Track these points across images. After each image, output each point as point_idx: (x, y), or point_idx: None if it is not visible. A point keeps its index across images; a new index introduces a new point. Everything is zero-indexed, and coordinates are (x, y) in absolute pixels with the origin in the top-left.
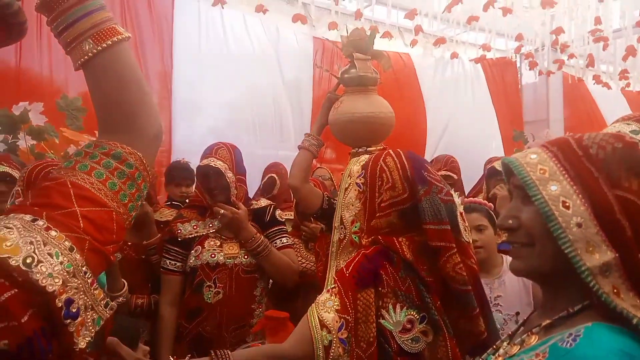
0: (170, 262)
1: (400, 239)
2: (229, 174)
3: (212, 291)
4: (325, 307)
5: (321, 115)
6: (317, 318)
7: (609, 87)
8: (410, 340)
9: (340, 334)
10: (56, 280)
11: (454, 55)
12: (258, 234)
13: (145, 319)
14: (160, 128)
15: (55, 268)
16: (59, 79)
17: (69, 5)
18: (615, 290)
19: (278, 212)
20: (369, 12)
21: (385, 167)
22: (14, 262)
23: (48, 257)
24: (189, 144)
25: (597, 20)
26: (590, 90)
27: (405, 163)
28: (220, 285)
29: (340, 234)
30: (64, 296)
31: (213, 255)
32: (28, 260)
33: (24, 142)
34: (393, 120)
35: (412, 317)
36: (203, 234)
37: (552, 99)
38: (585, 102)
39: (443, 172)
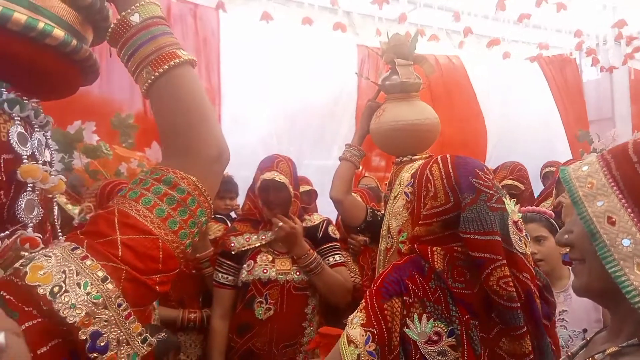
0: (222, 276)
1: (434, 249)
2: (291, 189)
3: (263, 307)
4: (352, 324)
5: (362, 124)
6: (344, 336)
7: None
8: (436, 353)
9: (368, 346)
10: (78, 312)
11: (506, 55)
12: (311, 251)
13: (197, 333)
14: (221, 151)
15: (80, 298)
16: (112, 99)
17: (134, 32)
18: None
19: (331, 228)
20: (414, 16)
21: (430, 176)
22: (41, 290)
23: (75, 287)
24: (238, 156)
25: None
26: None
27: (451, 171)
28: (272, 302)
29: (387, 243)
30: (90, 328)
31: (265, 271)
32: (55, 290)
33: (79, 160)
34: (438, 127)
35: (439, 329)
36: (256, 247)
37: (617, 95)
38: None
39: (508, 182)
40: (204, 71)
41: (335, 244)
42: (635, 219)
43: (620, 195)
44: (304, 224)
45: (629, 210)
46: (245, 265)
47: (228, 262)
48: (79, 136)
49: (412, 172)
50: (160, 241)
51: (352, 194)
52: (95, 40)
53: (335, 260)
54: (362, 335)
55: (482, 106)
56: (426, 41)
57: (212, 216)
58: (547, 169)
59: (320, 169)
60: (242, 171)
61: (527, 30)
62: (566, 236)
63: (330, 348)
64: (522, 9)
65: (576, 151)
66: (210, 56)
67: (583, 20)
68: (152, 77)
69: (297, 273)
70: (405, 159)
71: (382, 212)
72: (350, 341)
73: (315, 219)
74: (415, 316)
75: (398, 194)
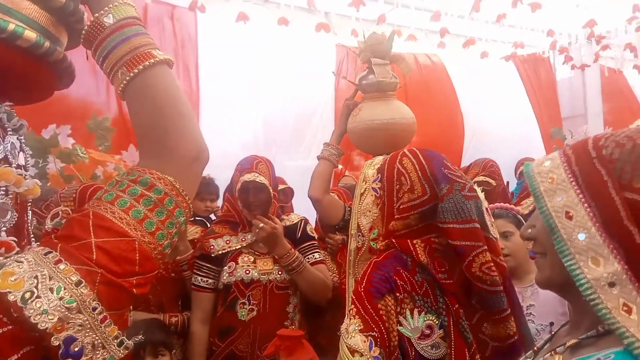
0: (202, 279)
1: (414, 242)
2: (271, 189)
3: (246, 308)
4: (349, 333)
5: (340, 123)
6: (345, 348)
7: None
8: (429, 347)
9: (373, 352)
10: (50, 317)
11: (484, 55)
12: (293, 250)
13: (178, 337)
14: (200, 150)
15: (52, 304)
16: (88, 102)
17: (107, 33)
18: (625, 308)
19: (309, 227)
20: (392, 17)
21: (402, 170)
22: (12, 297)
23: (48, 292)
24: (218, 158)
25: (636, 8)
26: (630, 82)
27: (424, 162)
28: (255, 302)
29: (358, 241)
30: (62, 334)
31: (247, 272)
32: (27, 296)
33: (54, 165)
34: (414, 126)
35: (431, 322)
36: (236, 249)
37: (589, 92)
38: (625, 94)
39: (480, 178)
40: (182, 72)
41: (313, 242)
42: (591, 214)
43: (578, 191)
44: (282, 224)
45: (585, 205)
46: (226, 267)
47: (207, 265)
48: (54, 141)
49: (378, 167)
50: (136, 243)
51: (330, 193)
52: (70, 43)
53: (315, 258)
54: (364, 342)
55: (462, 106)
56: (404, 41)
57: (192, 218)
58: (522, 167)
59: (300, 169)
60: (222, 173)
61: (503, 29)
62: (529, 230)
63: (291, 350)
64: (497, 9)
65: (550, 148)
66: (189, 57)
67: (556, 20)
68: (127, 78)
69: (279, 272)
70: (380, 157)
71: None
72: (353, 351)
73: (293, 218)
74: (407, 312)
75: (365, 190)
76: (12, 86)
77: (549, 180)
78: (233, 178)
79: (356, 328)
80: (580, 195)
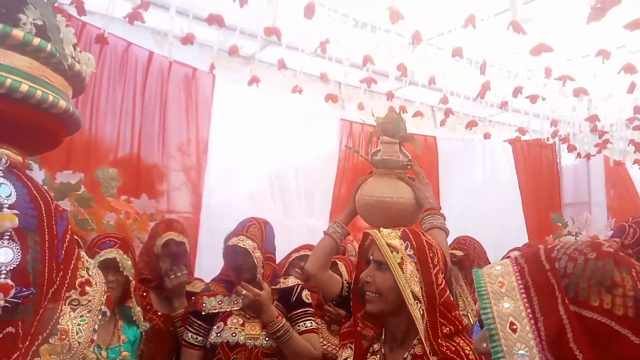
0: (192, 335)
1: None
2: (257, 254)
3: None
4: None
5: (350, 201)
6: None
7: None
8: None
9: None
10: None
11: (487, 136)
12: (280, 317)
13: None
14: None
15: None
16: (101, 143)
17: None
18: None
19: (305, 292)
20: (400, 92)
21: (431, 242)
22: None
23: None
24: (225, 209)
25: (637, 109)
26: (630, 174)
27: (439, 245)
28: None
29: (420, 309)
30: None
31: (234, 334)
32: None
33: (65, 208)
34: (414, 207)
35: None
36: (227, 311)
37: (593, 181)
38: (627, 186)
39: (451, 251)
40: (195, 124)
41: (308, 309)
42: (535, 332)
43: (527, 304)
44: (277, 286)
45: (532, 320)
46: (215, 327)
47: (198, 322)
48: (77, 187)
49: (399, 236)
50: None
51: (338, 262)
52: (73, 95)
53: (307, 327)
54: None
55: (442, 186)
56: (411, 117)
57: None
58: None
59: (301, 227)
60: (225, 222)
61: (507, 113)
62: (484, 344)
63: None
64: (502, 95)
65: (536, 235)
66: (203, 113)
67: (561, 108)
68: None
69: (267, 338)
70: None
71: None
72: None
73: (289, 282)
74: None
75: (402, 260)
76: (37, 141)
77: (498, 284)
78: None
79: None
80: (529, 309)
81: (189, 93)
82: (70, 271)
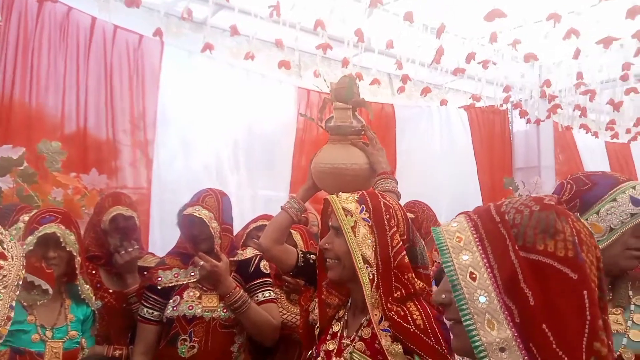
0: (147, 311)
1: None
2: (214, 224)
3: (186, 345)
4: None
5: (308, 177)
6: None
7: (597, 136)
8: None
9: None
10: None
11: (443, 103)
12: (237, 289)
13: None
14: None
15: None
16: (45, 117)
17: None
18: None
19: (263, 263)
20: (356, 60)
21: (389, 204)
22: None
23: None
24: (181, 182)
25: (579, 76)
26: (575, 139)
27: (399, 205)
28: (196, 340)
29: (369, 274)
30: None
31: (191, 307)
32: None
33: (3, 184)
34: (366, 173)
35: None
36: (184, 283)
37: (543, 146)
38: (572, 150)
39: None
40: (141, 96)
41: (266, 279)
42: (492, 278)
43: (483, 254)
44: (235, 258)
45: (488, 269)
46: (171, 301)
47: (154, 296)
48: (20, 161)
49: (356, 199)
50: None
51: (292, 231)
52: None
53: (265, 297)
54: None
55: (400, 152)
56: (368, 85)
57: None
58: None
59: (258, 198)
60: (183, 196)
61: (462, 80)
62: (443, 295)
63: None
64: (458, 61)
65: (489, 198)
66: (150, 82)
67: (514, 74)
68: None
69: (224, 310)
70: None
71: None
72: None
73: (247, 253)
74: None
75: (355, 223)
76: None
77: (456, 239)
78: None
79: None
80: (485, 259)
81: (136, 61)
82: None
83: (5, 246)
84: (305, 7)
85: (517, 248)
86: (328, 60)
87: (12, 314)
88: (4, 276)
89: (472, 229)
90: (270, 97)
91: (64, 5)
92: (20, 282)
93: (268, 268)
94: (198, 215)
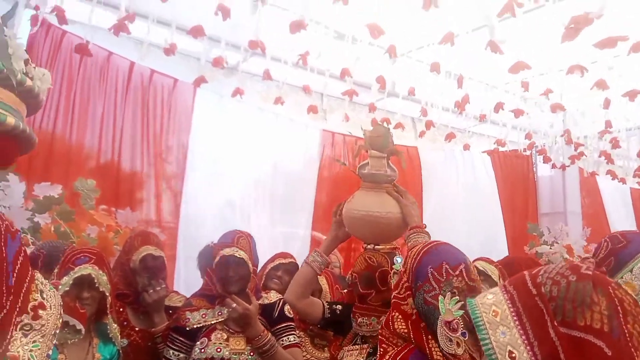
0: (173, 353)
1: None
2: (250, 265)
3: None
4: None
5: (332, 228)
6: None
7: (625, 183)
8: None
9: None
10: None
11: (466, 147)
12: (265, 332)
13: None
14: None
15: None
16: (79, 149)
17: None
18: None
19: (287, 307)
20: (381, 104)
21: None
22: None
23: None
24: (203, 216)
25: (608, 124)
26: (599, 184)
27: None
28: None
29: None
30: None
31: (219, 350)
32: None
33: (41, 220)
34: (400, 222)
35: None
36: (212, 324)
37: (568, 191)
38: (595, 195)
39: None
40: (174, 134)
41: (290, 323)
42: (532, 357)
43: (521, 330)
44: (260, 301)
45: (528, 346)
46: (198, 343)
47: (181, 338)
48: (61, 201)
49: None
50: None
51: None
52: (27, 114)
53: (290, 341)
54: None
55: (425, 197)
56: (392, 128)
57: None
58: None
59: (287, 236)
60: (207, 232)
61: (485, 125)
62: None
63: None
64: (482, 109)
65: (515, 245)
66: (183, 119)
67: (537, 121)
68: None
69: (251, 353)
70: (369, 247)
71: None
72: None
73: (272, 297)
74: None
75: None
76: None
77: (492, 313)
78: (213, 252)
79: None
80: (524, 335)
81: (169, 103)
82: (22, 295)
83: (45, 296)
84: (332, 54)
85: (555, 324)
86: (353, 104)
87: None
88: (43, 325)
89: (508, 302)
90: (296, 138)
91: (105, 50)
92: (57, 331)
93: (292, 312)
94: (239, 256)
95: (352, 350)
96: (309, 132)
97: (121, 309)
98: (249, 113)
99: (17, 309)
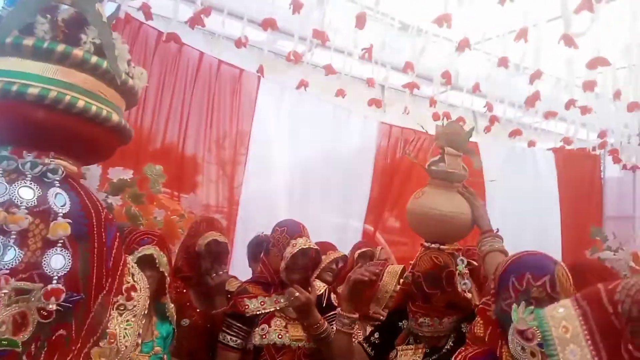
0: (230, 338)
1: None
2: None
3: None
4: None
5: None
6: None
7: None
8: None
9: None
10: None
11: (532, 144)
12: (323, 320)
13: None
14: None
15: None
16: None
17: None
18: None
19: (333, 296)
20: (443, 96)
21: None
22: None
23: None
24: (259, 198)
25: None
26: None
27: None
28: None
29: None
30: None
31: (280, 336)
32: None
33: (116, 201)
34: (470, 224)
35: None
36: (270, 311)
37: (638, 194)
38: None
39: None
40: (236, 121)
41: (337, 312)
42: None
43: (593, 351)
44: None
45: None
46: (258, 329)
47: (238, 324)
48: (133, 184)
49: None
50: None
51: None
52: (126, 108)
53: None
54: None
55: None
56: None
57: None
58: None
59: (339, 227)
60: (262, 212)
61: (552, 121)
62: None
63: None
64: (549, 105)
65: (571, 249)
66: (246, 106)
67: (610, 119)
68: None
69: (309, 340)
70: (433, 245)
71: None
72: None
73: (319, 287)
74: None
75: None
76: (91, 152)
77: (562, 329)
78: (278, 240)
79: None
80: (596, 357)
81: (235, 92)
82: (117, 277)
83: (135, 278)
84: (397, 44)
85: (630, 347)
86: (413, 97)
87: (140, 340)
88: (134, 306)
89: (580, 318)
90: (354, 130)
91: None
92: (146, 311)
93: (337, 300)
94: (314, 247)
95: (407, 349)
96: (367, 123)
97: (184, 290)
98: (309, 104)
99: (114, 290)
